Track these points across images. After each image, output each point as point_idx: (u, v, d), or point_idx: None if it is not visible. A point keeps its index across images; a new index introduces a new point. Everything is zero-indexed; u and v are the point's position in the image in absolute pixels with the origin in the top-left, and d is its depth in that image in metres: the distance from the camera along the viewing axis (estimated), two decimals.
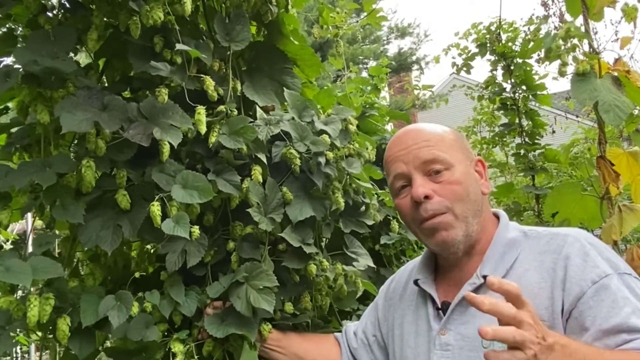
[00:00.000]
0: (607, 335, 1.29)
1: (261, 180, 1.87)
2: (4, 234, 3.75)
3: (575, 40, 2.34)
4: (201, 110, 1.80)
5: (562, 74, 2.35)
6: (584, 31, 2.36)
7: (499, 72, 5.29)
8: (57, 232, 1.96)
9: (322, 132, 1.98)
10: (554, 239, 1.47)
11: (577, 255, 1.40)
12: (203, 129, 1.79)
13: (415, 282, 1.66)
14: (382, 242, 3.20)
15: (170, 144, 1.72)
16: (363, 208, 2.20)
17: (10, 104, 2.01)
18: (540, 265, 1.44)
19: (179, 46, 1.81)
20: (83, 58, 2.06)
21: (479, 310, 1.15)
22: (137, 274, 1.83)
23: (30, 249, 1.80)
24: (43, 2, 1.87)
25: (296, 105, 2.03)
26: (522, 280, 1.43)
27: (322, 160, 1.93)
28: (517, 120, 5.20)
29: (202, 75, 1.88)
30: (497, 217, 1.64)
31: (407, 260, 3.34)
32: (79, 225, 1.71)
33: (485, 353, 1.17)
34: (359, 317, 2.23)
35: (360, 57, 24.86)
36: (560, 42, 2.31)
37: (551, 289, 1.39)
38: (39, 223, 1.95)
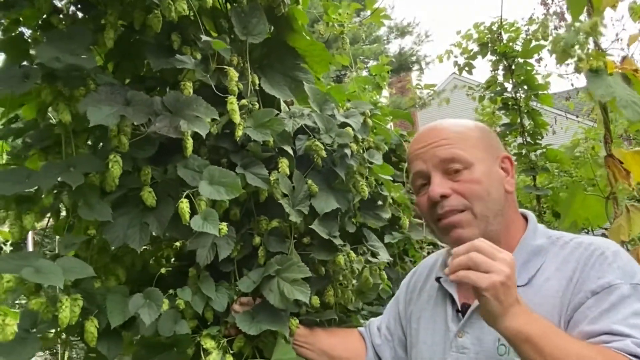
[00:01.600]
0: (587, 337, 1.29)
1: (288, 173, 1.87)
2: (4, 235, 3.70)
3: (584, 38, 2.35)
4: (233, 99, 1.80)
5: (579, 70, 2.34)
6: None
7: (500, 72, 5.31)
8: (58, 237, 1.94)
9: (345, 124, 1.98)
10: (577, 249, 1.46)
11: (592, 266, 1.39)
12: (237, 118, 1.79)
13: (437, 279, 1.65)
14: (386, 241, 3.19)
15: (192, 139, 1.71)
16: (380, 202, 2.20)
17: (19, 112, 2.00)
18: (562, 275, 1.43)
19: (203, 38, 1.80)
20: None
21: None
22: (163, 270, 1.82)
23: (30, 250, 1.77)
24: (54, 2, 1.86)
25: (317, 99, 2.03)
26: (543, 289, 1.44)
27: (347, 151, 1.93)
28: (518, 120, 5.21)
29: (225, 67, 1.86)
30: (525, 217, 1.62)
31: (410, 260, 3.34)
32: (104, 225, 1.70)
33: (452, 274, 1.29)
34: (363, 316, 2.22)
35: (361, 57, 24.95)
36: (581, 36, 2.30)
37: (563, 297, 1.39)
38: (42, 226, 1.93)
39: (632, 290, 1.32)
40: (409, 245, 3.42)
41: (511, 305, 1.25)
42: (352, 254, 1.95)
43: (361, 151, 2.03)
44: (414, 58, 28.18)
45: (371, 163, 2.10)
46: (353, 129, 1.97)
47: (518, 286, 1.42)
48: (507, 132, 5.43)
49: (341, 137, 1.90)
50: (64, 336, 1.72)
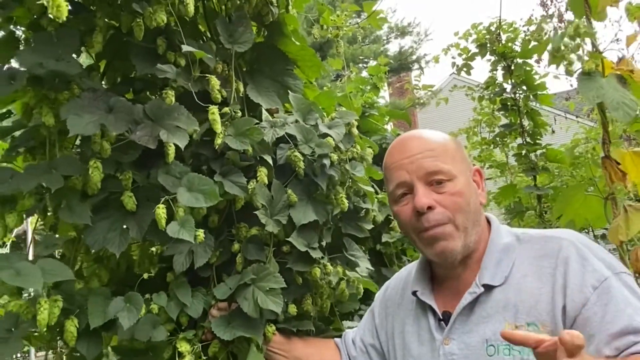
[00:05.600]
0: (615, 339, 1.31)
1: (267, 182, 1.88)
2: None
3: (579, 40, 2.34)
4: (214, 109, 1.82)
5: (569, 73, 2.34)
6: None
7: (499, 73, 5.30)
8: (57, 235, 1.96)
9: (326, 135, 1.99)
10: (549, 243, 1.49)
11: (575, 260, 1.42)
12: (218, 128, 1.81)
13: (414, 293, 1.67)
14: (383, 240, 3.20)
15: (175, 145, 1.72)
16: (363, 212, 2.21)
17: (11, 108, 2.01)
18: (539, 270, 1.46)
19: (184, 47, 1.81)
20: (83, 59, 2.06)
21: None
22: (145, 275, 1.83)
23: (30, 250, 1.79)
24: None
25: (300, 109, 2.04)
26: (522, 286, 1.46)
27: (326, 162, 1.94)
28: (518, 121, 5.21)
29: (207, 75, 1.88)
30: (488, 221, 1.65)
31: (408, 260, 3.35)
32: (85, 228, 1.71)
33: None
34: (360, 317, 2.23)
35: (361, 57, 24.95)
36: (567, 40, 2.31)
37: (552, 294, 1.41)
38: (38, 225, 1.95)
39: (618, 280, 1.38)
40: (407, 245, 3.44)
41: None
42: (329, 267, 1.95)
43: (343, 162, 2.05)
44: (413, 57, 28.11)
45: (350, 177, 2.10)
46: (334, 140, 1.98)
47: (496, 286, 1.48)
48: (507, 133, 5.43)
49: (321, 147, 1.91)
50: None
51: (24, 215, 1.82)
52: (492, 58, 5.26)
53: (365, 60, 25.25)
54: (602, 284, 1.37)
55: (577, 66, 2.33)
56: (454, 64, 5.56)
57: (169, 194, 1.72)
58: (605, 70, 2.29)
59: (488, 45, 5.24)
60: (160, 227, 1.66)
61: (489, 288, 1.49)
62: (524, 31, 5.27)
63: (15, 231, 5.32)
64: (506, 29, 5.24)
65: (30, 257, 1.71)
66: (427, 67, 28.50)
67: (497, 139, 5.66)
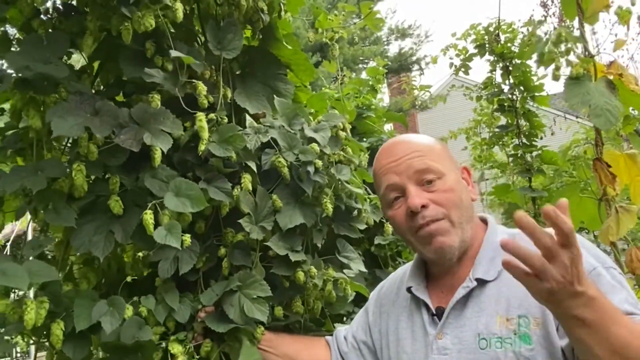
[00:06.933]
0: None
1: (251, 189, 1.88)
2: None
3: (570, 44, 2.34)
4: (201, 116, 1.82)
5: (556, 78, 2.35)
6: (579, 34, 2.36)
7: (498, 73, 5.29)
8: (50, 235, 1.97)
9: (312, 139, 1.99)
10: None
11: None
12: (205, 135, 1.81)
13: (408, 290, 1.68)
14: (376, 242, 3.20)
15: (162, 149, 1.73)
16: (355, 213, 2.21)
17: (5, 106, 2.02)
18: None
19: (173, 53, 1.82)
20: (81, 60, 2.07)
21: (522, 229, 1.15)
22: (129, 279, 1.84)
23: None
24: (37, 6, 1.88)
25: (286, 113, 2.04)
26: (514, 280, 1.45)
27: (310, 169, 1.94)
28: (514, 122, 5.19)
29: (194, 80, 1.88)
30: (484, 222, 1.67)
31: (403, 262, 3.34)
32: (72, 230, 1.72)
33: (504, 261, 1.18)
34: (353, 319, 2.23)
35: (361, 58, 24.94)
36: (552, 46, 2.31)
37: None
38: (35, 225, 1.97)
39: (607, 272, 1.40)
40: (403, 247, 3.43)
41: (565, 298, 1.19)
42: (313, 270, 1.95)
43: (330, 165, 2.05)
44: (414, 58, 28.09)
45: (339, 179, 2.10)
46: (319, 144, 1.98)
47: (489, 281, 1.50)
48: (504, 134, 5.42)
49: (304, 154, 1.92)
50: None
51: (14, 216, 1.84)
52: (491, 58, 5.25)
53: (366, 61, 25.23)
54: (592, 272, 1.38)
55: (567, 70, 2.33)
56: (451, 64, 5.55)
57: (156, 198, 1.73)
58: (596, 73, 2.29)
59: (487, 45, 5.23)
60: (148, 233, 1.66)
61: (482, 283, 1.51)
62: (522, 32, 5.26)
63: (15, 231, 5.33)
64: (505, 30, 5.22)
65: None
66: (427, 68, 28.50)
67: (494, 139, 5.65)
